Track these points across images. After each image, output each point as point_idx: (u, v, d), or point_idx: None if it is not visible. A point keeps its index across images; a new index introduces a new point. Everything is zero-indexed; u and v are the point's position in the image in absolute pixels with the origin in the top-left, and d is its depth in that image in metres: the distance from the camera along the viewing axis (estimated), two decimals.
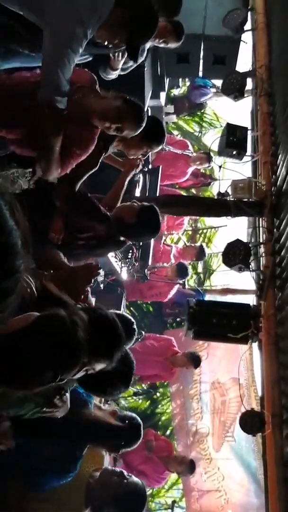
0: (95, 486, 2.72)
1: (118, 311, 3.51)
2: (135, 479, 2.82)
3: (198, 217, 9.00)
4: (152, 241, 5.74)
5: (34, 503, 2.52)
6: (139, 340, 5.12)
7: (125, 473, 2.83)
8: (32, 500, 2.52)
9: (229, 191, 4.31)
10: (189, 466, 5.97)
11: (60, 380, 1.59)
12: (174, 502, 7.52)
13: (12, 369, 1.43)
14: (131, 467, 5.65)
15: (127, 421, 2.83)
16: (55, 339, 1.56)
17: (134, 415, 2.98)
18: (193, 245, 7.52)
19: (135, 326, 3.25)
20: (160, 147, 3.46)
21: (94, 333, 1.71)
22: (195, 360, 6.18)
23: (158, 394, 8.53)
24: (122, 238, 3.32)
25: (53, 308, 1.65)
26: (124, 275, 5.15)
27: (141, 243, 5.29)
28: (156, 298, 6.99)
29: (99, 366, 1.85)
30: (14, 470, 2.41)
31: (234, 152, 4.48)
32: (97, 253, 3.46)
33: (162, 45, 3.52)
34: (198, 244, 7.45)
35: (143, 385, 7.41)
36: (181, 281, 7.10)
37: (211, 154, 6.89)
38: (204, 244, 7.24)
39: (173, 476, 9.43)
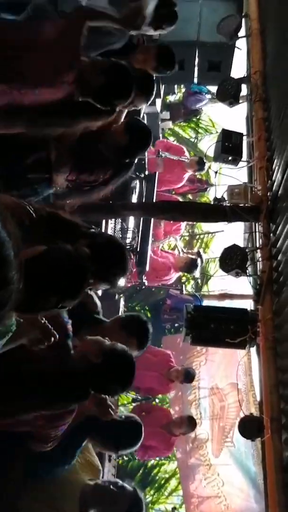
0: (89, 494, 2.70)
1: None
2: (129, 488, 2.79)
3: (195, 223, 9.03)
4: (150, 247, 5.76)
5: (31, 502, 2.49)
6: None
7: (119, 482, 2.81)
8: (28, 497, 2.48)
9: (225, 196, 4.32)
10: (189, 423, 5.96)
11: (62, 307, 1.76)
12: (174, 508, 7.51)
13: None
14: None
15: (126, 423, 2.85)
16: (62, 268, 1.73)
17: (133, 415, 2.98)
18: (185, 255, 7.40)
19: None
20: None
21: (99, 253, 1.97)
22: (186, 376, 6.21)
23: (157, 400, 8.52)
24: (127, 160, 3.22)
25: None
26: (121, 281, 5.16)
27: (138, 250, 5.31)
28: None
29: (101, 287, 2.19)
30: (14, 453, 2.39)
31: (230, 158, 4.50)
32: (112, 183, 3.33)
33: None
34: (191, 256, 7.32)
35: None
36: (178, 288, 7.15)
37: (205, 159, 6.92)
38: (198, 259, 7.11)
39: (173, 483, 9.44)
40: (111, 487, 2.73)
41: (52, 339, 1.89)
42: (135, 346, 2.78)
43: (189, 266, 6.96)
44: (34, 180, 2.83)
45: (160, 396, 8.38)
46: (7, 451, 2.34)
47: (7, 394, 2.00)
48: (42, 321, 1.88)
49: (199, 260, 7.09)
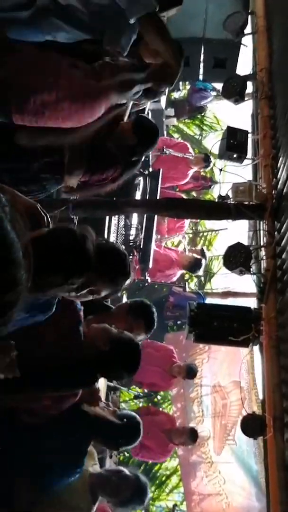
0: (96, 484, 2.79)
1: None
2: (131, 476, 2.89)
3: (198, 220, 9.02)
4: (153, 244, 5.76)
5: (45, 509, 2.54)
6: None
7: (123, 471, 2.90)
8: (40, 506, 2.53)
9: (230, 194, 4.31)
10: (190, 435, 5.98)
11: (71, 283, 1.81)
12: (175, 505, 7.52)
13: None
14: None
15: (125, 419, 2.88)
16: (66, 246, 1.80)
17: (133, 413, 3.01)
18: (190, 255, 7.39)
19: None
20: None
21: (102, 257, 1.99)
22: (188, 372, 6.22)
23: (159, 397, 8.53)
24: (134, 159, 3.25)
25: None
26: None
27: (142, 247, 5.30)
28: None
29: (104, 291, 2.20)
30: (21, 468, 2.42)
31: (235, 155, 4.48)
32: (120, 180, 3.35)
33: None
34: (196, 255, 7.32)
35: (144, 389, 7.41)
36: (181, 286, 7.14)
37: (210, 156, 6.90)
38: (202, 259, 7.10)
39: (174, 480, 9.45)
40: (113, 477, 2.81)
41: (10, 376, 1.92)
42: (143, 329, 2.90)
43: (193, 265, 6.96)
44: (45, 179, 2.85)
45: (162, 393, 8.39)
46: (14, 466, 2.39)
47: (21, 380, 2.05)
48: (10, 358, 1.89)
49: (203, 261, 7.08)
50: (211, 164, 7.21)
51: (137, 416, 3.02)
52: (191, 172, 7.36)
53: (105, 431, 2.81)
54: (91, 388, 2.64)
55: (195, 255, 7.23)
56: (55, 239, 1.82)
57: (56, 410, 2.50)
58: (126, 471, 2.92)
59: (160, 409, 7.20)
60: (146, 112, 5.20)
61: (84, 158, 2.94)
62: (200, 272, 7.28)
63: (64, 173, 2.89)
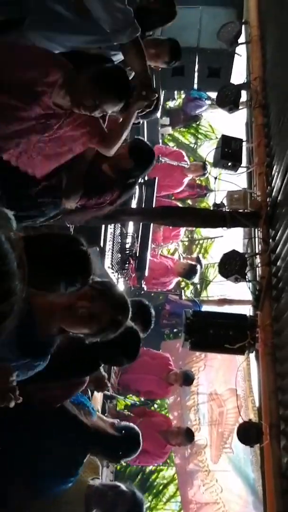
0: (92, 498, 2.76)
1: None
2: (128, 492, 2.85)
3: (194, 228, 9.03)
4: (149, 253, 5.76)
5: None
6: None
7: (119, 487, 2.87)
8: (35, 507, 2.52)
9: (225, 202, 4.33)
10: (186, 435, 5.95)
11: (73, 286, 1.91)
12: None
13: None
14: None
15: (123, 431, 2.87)
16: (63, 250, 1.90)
17: (131, 425, 3.00)
18: (185, 261, 7.41)
19: None
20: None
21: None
22: (185, 379, 6.21)
23: (155, 405, 8.50)
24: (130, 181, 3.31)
25: None
26: (121, 286, 5.16)
27: (137, 255, 5.31)
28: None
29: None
30: (15, 473, 2.43)
31: (230, 164, 4.51)
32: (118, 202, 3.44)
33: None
34: (191, 262, 7.33)
35: (141, 398, 7.39)
36: (177, 294, 7.15)
37: (207, 164, 6.93)
38: (197, 265, 7.12)
39: (171, 489, 9.40)
40: (109, 492, 2.79)
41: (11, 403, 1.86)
42: (140, 329, 2.91)
43: (188, 272, 6.97)
44: (43, 204, 2.89)
45: (158, 401, 8.36)
46: (8, 470, 2.39)
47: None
48: (11, 383, 1.86)
49: (198, 267, 7.09)
50: (207, 172, 7.24)
51: (136, 427, 3.01)
52: (186, 180, 7.39)
53: (105, 443, 2.81)
54: (98, 375, 2.76)
55: (190, 262, 7.25)
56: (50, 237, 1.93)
57: (65, 399, 2.62)
58: (122, 486, 2.89)
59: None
60: (141, 122, 5.22)
61: (81, 182, 3.02)
62: (196, 279, 7.29)
63: (63, 197, 2.96)
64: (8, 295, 0.82)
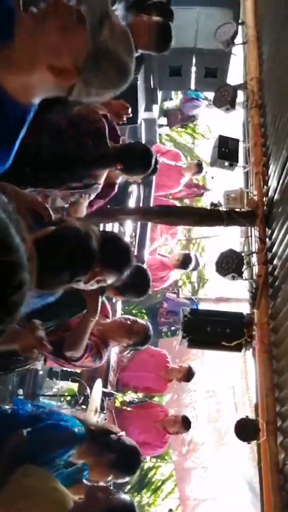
0: (80, 504, 2.67)
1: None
2: (122, 495, 2.79)
3: (191, 227, 9.07)
4: (147, 252, 5.79)
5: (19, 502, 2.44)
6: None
7: (111, 488, 2.81)
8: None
9: (222, 201, 4.36)
10: (183, 423, 5.98)
11: (77, 281, 1.93)
12: (170, 511, 7.51)
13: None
14: (132, 439, 5.69)
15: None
16: (71, 243, 1.88)
17: (134, 444, 2.99)
18: (177, 253, 7.41)
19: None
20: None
21: (106, 248, 2.12)
22: (188, 375, 6.24)
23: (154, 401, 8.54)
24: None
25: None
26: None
27: (136, 254, 5.34)
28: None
29: (111, 279, 2.36)
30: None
31: (226, 163, 4.55)
32: None
33: None
34: (185, 251, 7.33)
35: (138, 394, 7.43)
36: (174, 292, 7.18)
37: (203, 163, 6.96)
38: (192, 253, 7.12)
39: (169, 485, 9.45)
40: (101, 494, 2.73)
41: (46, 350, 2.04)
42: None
43: (183, 262, 6.98)
44: None
45: (156, 399, 8.41)
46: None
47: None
48: (40, 333, 1.99)
49: (191, 254, 7.12)
50: (204, 171, 7.27)
51: (137, 446, 3.02)
52: (183, 180, 7.42)
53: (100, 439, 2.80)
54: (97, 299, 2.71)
55: (182, 252, 7.26)
56: (61, 238, 1.90)
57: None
58: (114, 490, 2.84)
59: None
60: (139, 122, 5.26)
61: None
62: (192, 266, 7.24)
63: None
64: (19, 287, 0.87)
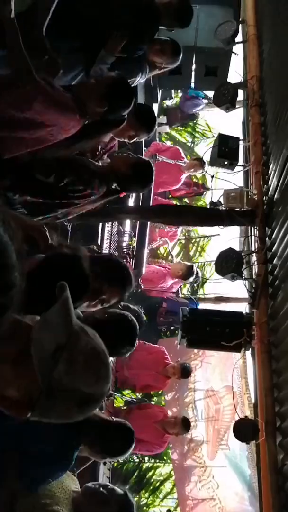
0: (80, 497, 2.70)
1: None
2: (119, 491, 2.81)
3: (191, 227, 9.06)
4: (146, 250, 5.78)
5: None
6: None
7: (110, 485, 2.82)
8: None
9: (222, 200, 4.35)
10: (183, 425, 5.97)
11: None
12: (169, 511, 7.50)
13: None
14: None
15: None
16: (62, 271, 1.85)
17: (125, 421, 3.01)
18: (180, 264, 7.45)
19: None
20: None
21: (106, 270, 2.19)
22: (183, 372, 6.23)
23: (152, 402, 8.53)
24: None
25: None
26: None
27: (135, 253, 5.33)
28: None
29: (113, 299, 2.37)
30: (7, 459, 2.39)
31: (226, 162, 4.53)
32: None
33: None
34: (184, 263, 7.38)
35: (137, 394, 7.41)
36: (174, 292, 7.17)
37: (204, 161, 6.93)
38: (193, 265, 7.17)
39: (168, 485, 9.45)
40: (101, 489, 2.74)
41: None
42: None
43: (186, 273, 7.00)
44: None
45: (155, 399, 8.40)
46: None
47: None
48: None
49: (194, 266, 7.13)
50: (205, 168, 7.25)
51: (129, 424, 3.01)
52: (183, 177, 7.39)
53: (96, 436, 2.80)
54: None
55: (186, 263, 7.28)
56: (52, 268, 1.88)
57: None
58: (113, 485, 2.85)
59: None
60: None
61: None
62: (193, 279, 7.30)
63: None
64: (8, 288, 0.84)
